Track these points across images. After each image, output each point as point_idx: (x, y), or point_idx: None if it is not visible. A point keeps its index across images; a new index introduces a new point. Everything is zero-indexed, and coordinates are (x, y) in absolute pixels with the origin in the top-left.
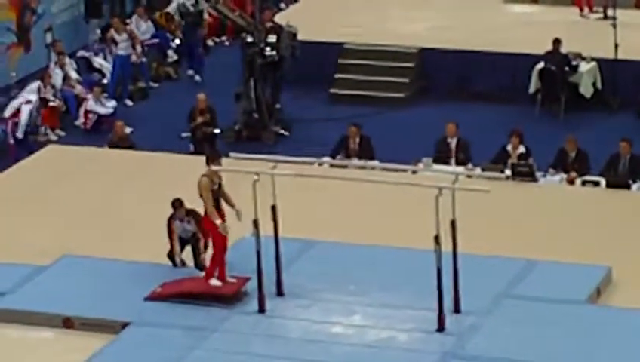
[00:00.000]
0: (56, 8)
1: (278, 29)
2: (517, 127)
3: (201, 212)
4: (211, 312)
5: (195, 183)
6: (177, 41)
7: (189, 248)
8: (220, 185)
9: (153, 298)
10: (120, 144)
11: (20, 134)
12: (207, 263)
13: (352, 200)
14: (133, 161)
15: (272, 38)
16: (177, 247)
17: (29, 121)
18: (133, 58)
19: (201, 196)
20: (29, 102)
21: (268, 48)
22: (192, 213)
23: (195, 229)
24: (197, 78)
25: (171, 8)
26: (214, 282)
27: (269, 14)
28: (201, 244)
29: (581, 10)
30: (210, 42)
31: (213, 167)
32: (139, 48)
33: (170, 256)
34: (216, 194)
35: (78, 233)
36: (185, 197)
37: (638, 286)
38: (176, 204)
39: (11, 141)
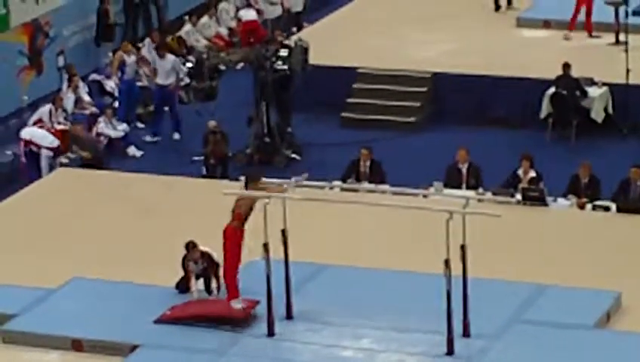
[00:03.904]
0: (69, 31)
1: (289, 45)
2: (527, 152)
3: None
4: (221, 335)
5: (206, 207)
6: (189, 65)
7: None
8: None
9: (163, 321)
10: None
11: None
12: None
13: (363, 224)
14: (144, 184)
15: (284, 52)
16: (195, 286)
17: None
18: (140, 83)
19: (233, 211)
20: (48, 149)
21: (279, 62)
22: (205, 254)
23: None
24: (176, 136)
25: (183, 32)
26: (236, 304)
27: (280, 33)
28: (213, 283)
29: (590, 34)
30: (222, 67)
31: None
32: (146, 71)
33: (178, 286)
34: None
35: (88, 256)
36: (197, 222)
37: None
38: (190, 246)
39: (23, 160)
